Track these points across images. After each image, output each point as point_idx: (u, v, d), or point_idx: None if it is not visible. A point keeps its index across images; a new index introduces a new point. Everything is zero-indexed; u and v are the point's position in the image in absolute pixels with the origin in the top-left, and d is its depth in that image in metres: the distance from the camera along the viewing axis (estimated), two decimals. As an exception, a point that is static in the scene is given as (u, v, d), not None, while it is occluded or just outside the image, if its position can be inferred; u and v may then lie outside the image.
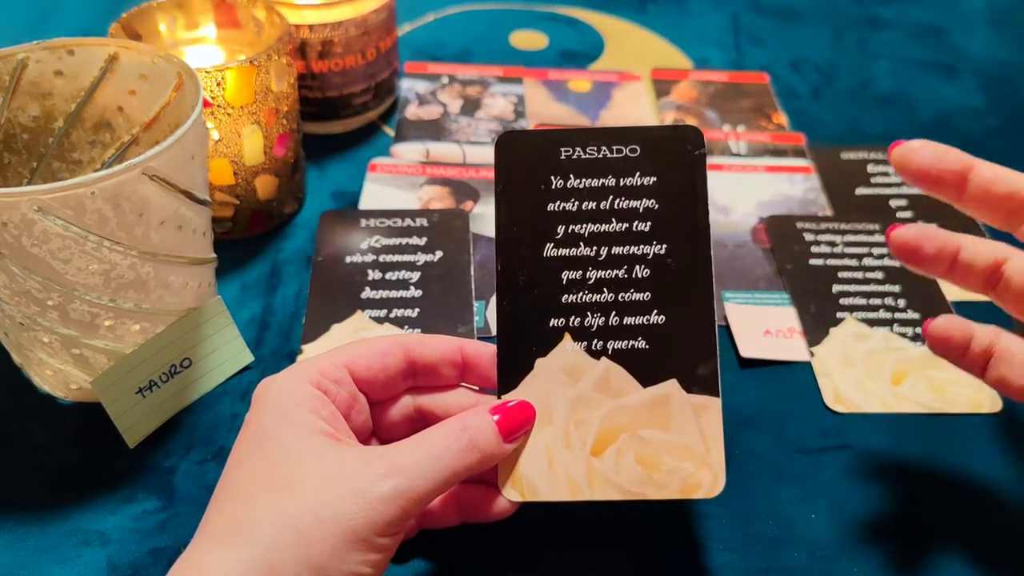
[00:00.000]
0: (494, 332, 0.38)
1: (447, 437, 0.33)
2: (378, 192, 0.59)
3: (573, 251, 0.37)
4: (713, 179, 0.59)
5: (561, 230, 0.37)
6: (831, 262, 0.54)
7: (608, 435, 0.36)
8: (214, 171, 0.51)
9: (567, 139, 0.38)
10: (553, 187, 0.38)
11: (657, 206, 0.37)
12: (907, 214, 0.58)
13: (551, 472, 0.36)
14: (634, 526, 0.40)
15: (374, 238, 0.54)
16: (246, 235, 0.55)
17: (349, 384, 0.36)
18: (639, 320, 0.37)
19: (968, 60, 0.75)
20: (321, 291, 0.51)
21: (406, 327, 0.49)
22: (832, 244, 0.55)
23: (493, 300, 0.47)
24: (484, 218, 0.57)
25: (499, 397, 0.37)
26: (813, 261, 0.54)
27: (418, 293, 0.51)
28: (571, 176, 0.38)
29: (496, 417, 0.35)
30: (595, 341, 0.37)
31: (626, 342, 0.37)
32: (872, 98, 0.70)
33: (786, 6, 0.82)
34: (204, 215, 0.42)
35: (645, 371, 0.36)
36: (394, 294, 0.51)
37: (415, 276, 0.52)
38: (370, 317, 0.50)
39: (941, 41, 0.78)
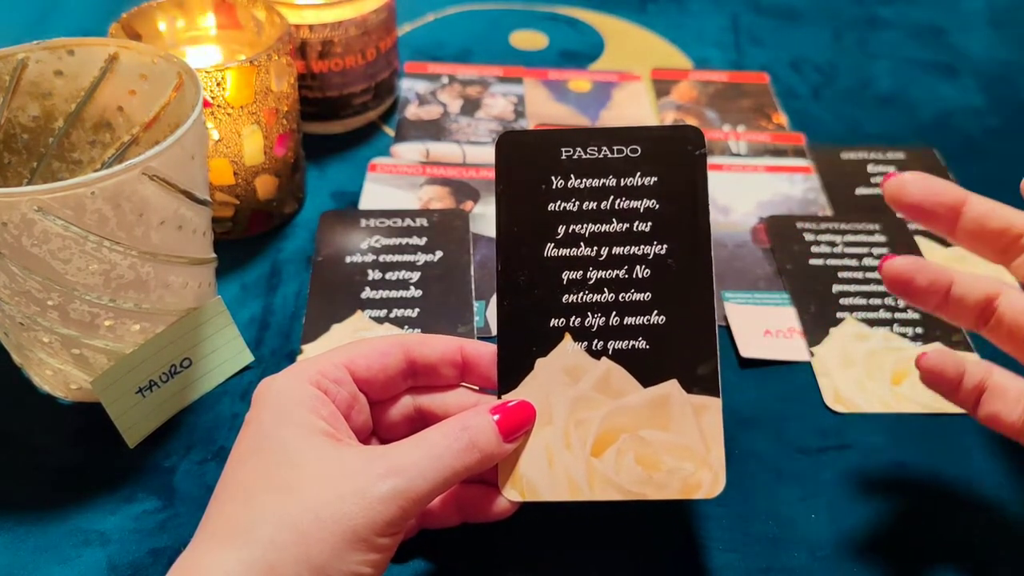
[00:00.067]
0: (494, 332, 0.38)
1: (447, 437, 0.33)
2: (378, 192, 0.59)
3: (574, 251, 0.37)
4: (713, 179, 0.59)
5: (562, 230, 0.37)
6: (831, 262, 0.54)
7: (608, 435, 0.36)
8: (214, 171, 0.51)
9: (567, 139, 0.38)
10: (554, 187, 0.38)
11: (658, 206, 0.37)
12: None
13: (551, 472, 0.36)
14: (634, 526, 0.40)
15: (374, 238, 0.54)
16: (246, 235, 0.55)
17: (349, 384, 0.36)
18: (639, 320, 0.37)
19: (968, 60, 0.75)
20: (321, 291, 0.51)
21: (406, 327, 0.49)
22: (832, 244, 0.55)
23: (493, 300, 0.47)
24: (484, 218, 0.57)
25: (499, 397, 0.37)
26: (813, 261, 0.54)
27: (418, 293, 0.51)
28: (572, 176, 0.38)
29: (496, 417, 0.35)
30: (595, 341, 0.37)
31: (626, 342, 0.37)
32: (872, 98, 0.70)
33: (786, 6, 0.82)
34: (204, 215, 0.42)
35: (645, 371, 0.36)
36: (394, 294, 0.51)
37: (415, 276, 0.52)
38: (370, 317, 0.50)
39: (941, 41, 0.78)
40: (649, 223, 0.37)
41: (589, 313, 0.37)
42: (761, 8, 0.82)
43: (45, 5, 0.78)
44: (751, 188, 0.60)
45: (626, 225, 0.37)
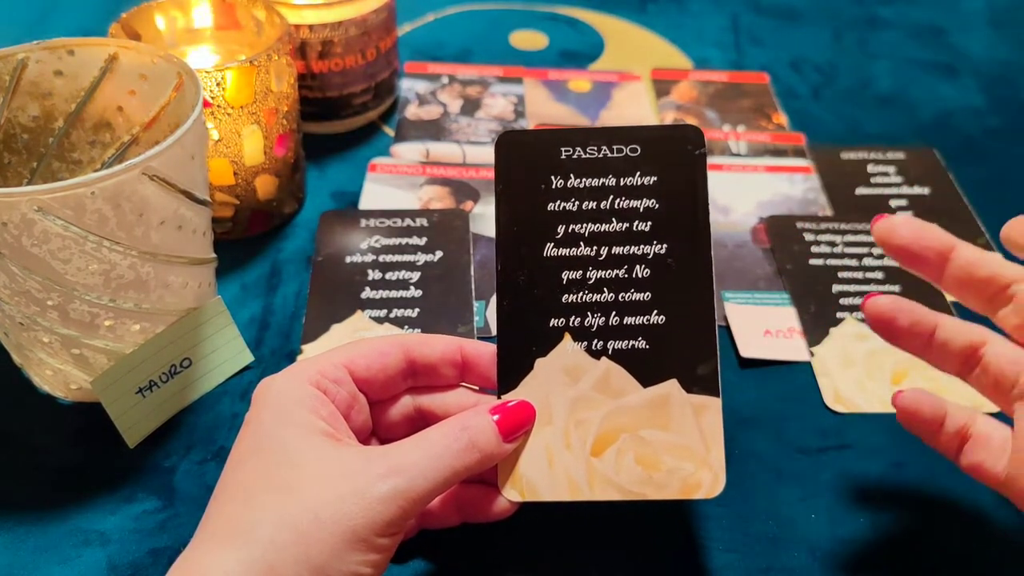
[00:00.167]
0: (494, 332, 0.38)
1: (447, 437, 0.33)
2: (378, 192, 0.59)
3: (573, 251, 0.37)
4: (713, 179, 0.59)
5: (561, 230, 0.37)
6: (831, 262, 0.54)
7: (608, 435, 0.36)
8: (214, 171, 0.51)
9: (567, 139, 0.38)
10: (553, 187, 0.38)
11: (657, 206, 0.37)
12: (907, 214, 0.58)
13: (551, 472, 0.36)
14: (634, 526, 0.40)
15: (374, 238, 0.54)
16: (246, 235, 0.55)
17: (349, 384, 0.36)
18: (639, 320, 0.37)
19: (968, 60, 0.75)
20: (321, 291, 0.51)
21: (406, 327, 0.49)
22: (832, 244, 0.55)
23: (493, 300, 0.47)
24: (484, 218, 0.57)
25: (499, 397, 0.37)
26: (813, 261, 0.54)
27: (418, 293, 0.51)
28: (571, 176, 0.38)
29: (496, 417, 0.35)
30: (595, 341, 0.37)
31: (626, 342, 0.36)
32: (872, 98, 0.70)
33: (786, 6, 0.82)
34: (204, 215, 0.42)
35: (645, 371, 0.36)
36: (394, 294, 0.51)
37: (415, 276, 0.52)
38: (370, 317, 0.50)
39: (941, 41, 0.78)
40: (649, 223, 0.37)
41: (589, 313, 0.37)
42: (761, 8, 0.82)
43: (45, 5, 0.78)
44: (751, 188, 0.60)
45: (626, 225, 0.37)
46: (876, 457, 0.44)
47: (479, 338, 0.48)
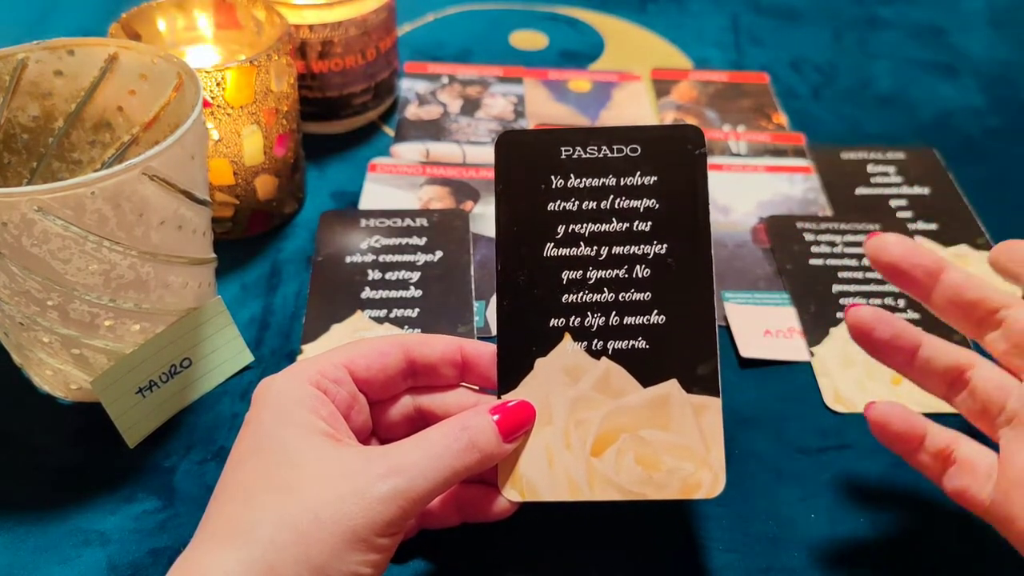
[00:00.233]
0: (494, 332, 0.38)
1: (447, 437, 0.33)
2: (378, 192, 0.59)
3: (573, 251, 0.37)
4: (713, 179, 0.59)
5: (561, 230, 0.37)
6: (831, 262, 0.54)
7: (608, 435, 0.36)
8: (214, 171, 0.51)
9: (567, 139, 0.38)
10: (553, 187, 0.38)
11: (657, 206, 0.37)
12: (907, 214, 0.58)
13: (551, 472, 0.36)
14: (634, 526, 0.40)
15: (374, 238, 0.54)
16: (246, 235, 0.55)
17: (349, 384, 0.36)
18: (639, 320, 0.37)
19: (968, 60, 0.75)
20: (321, 291, 0.51)
21: (406, 327, 0.49)
22: (832, 244, 0.55)
23: (493, 300, 0.47)
24: (484, 218, 0.57)
25: (499, 397, 0.37)
26: (813, 261, 0.54)
27: (418, 293, 0.51)
28: (571, 176, 0.38)
29: (496, 417, 0.35)
30: (595, 341, 0.37)
31: (626, 342, 0.36)
32: (872, 98, 0.70)
33: (786, 6, 0.82)
34: (204, 215, 0.42)
35: (645, 371, 0.36)
36: (394, 294, 0.51)
37: (415, 276, 0.52)
38: (370, 317, 0.50)
39: (941, 41, 0.78)
40: (649, 223, 0.37)
41: (589, 313, 0.37)
42: (761, 8, 0.82)
43: (45, 5, 0.78)
44: (751, 188, 0.60)
45: (626, 225, 0.37)
46: (876, 457, 0.44)
47: (479, 338, 0.48)
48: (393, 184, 0.60)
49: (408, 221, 0.55)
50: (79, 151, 0.47)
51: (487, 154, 0.62)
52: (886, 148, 0.64)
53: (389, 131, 0.65)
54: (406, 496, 0.31)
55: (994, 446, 0.35)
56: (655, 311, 0.37)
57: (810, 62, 0.74)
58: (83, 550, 0.39)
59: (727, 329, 0.50)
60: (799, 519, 0.41)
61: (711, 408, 0.36)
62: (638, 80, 0.71)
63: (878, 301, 0.51)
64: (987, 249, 0.55)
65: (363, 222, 0.55)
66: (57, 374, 0.43)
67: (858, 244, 0.55)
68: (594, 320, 0.37)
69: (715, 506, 0.41)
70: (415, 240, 0.54)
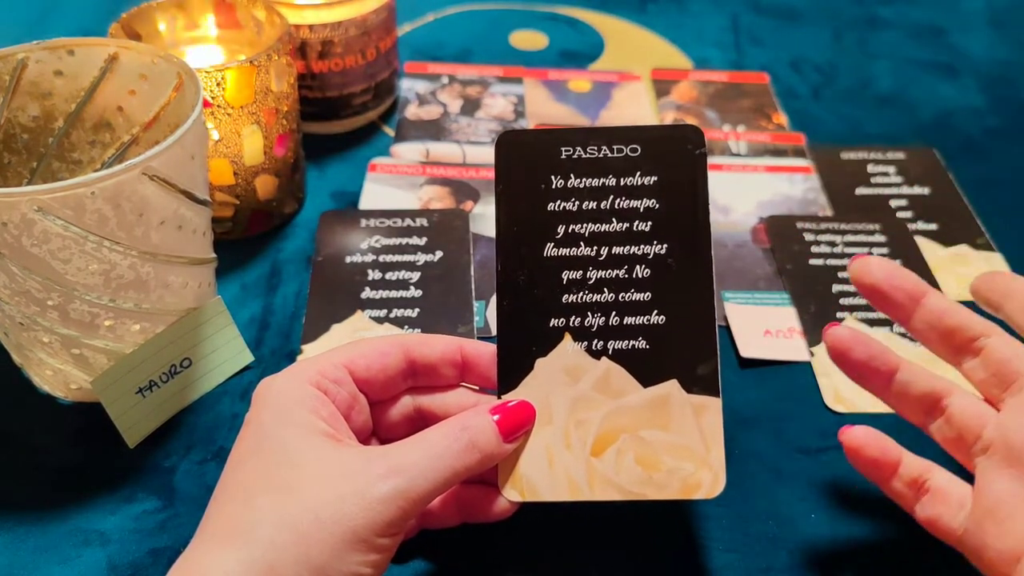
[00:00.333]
0: (494, 332, 0.38)
1: (447, 437, 0.33)
2: (378, 192, 0.59)
3: (573, 251, 0.37)
4: (713, 179, 0.59)
5: (561, 230, 0.37)
6: (831, 262, 0.54)
7: (608, 435, 0.36)
8: (214, 171, 0.51)
9: (567, 139, 0.38)
10: (553, 187, 0.38)
11: (658, 206, 0.37)
12: (907, 214, 0.58)
13: (551, 472, 0.36)
14: (634, 526, 0.40)
15: (374, 238, 0.54)
16: (246, 235, 0.55)
17: (349, 384, 0.36)
18: (639, 320, 0.37)
19: (968, 60, 0.75)
20: (321, 291, 0.51)
21: (406, 327, 0.49)
22: (832, 244, 0.55)
23: (493, 300, 0.47)
24: (484, 218, 0.57)
25: (499, 397, 0.37)
26: (813, 261, 0.54)
27: (418, 293, 0.51)
28: (571, 176, 0.38)
29: (496, 417, 0.35)
30: (595, 341, 0.37)
31: (626, 342, 0.36)
32: (872, 98, 0.70)
33: (786, 6, 0.82)
34: (204, 215, 0.42)
35: (645, 371, 0.36)
36: (394, 294, 0.51)
37: (415, 276, 0.52)
38: (370, 317, 0.50)
39: (941, 41, 0.78)
40: (649, 223, 0.37)
41: (589, 313, 0.37)
42: (761, 8, 0.82)
43: (45, 5, 0.78)
44: (751, 188, 0.60)
45: (626, 225, 0.37)
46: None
47: (479, 338, 0.48)
48: (393, 184, 0.60)
49: (408, 221, 0.55)
50: (79, 151, 0.47)
51: (487, 154, 0.62)
52: (886, 148, 0.64)
53: (389, 131, 0.65)
54: (406, 496, 0.31)
55: (968, 475, 0.35)
56: (655, 311, 0.37)
57: (810, 62, 0.74)
58: (83, 550, 0.39)
59: (727, 329, 0.50)
60: (799, 519, 0.41)
61: (711, 408, 0.36)
62: (638, 80, 0.71)
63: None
64: (987, 249, 0.55)
65: (363, 222, 0.55)
66: (57, 374, 0.43)
67: (858, 244, 0.55)
68: (594, 320, 0.37)
69: (715, 506, 0.41)
70: (415, 240, 0.54)
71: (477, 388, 0.38)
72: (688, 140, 0.38)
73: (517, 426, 0.35)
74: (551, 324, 0.37)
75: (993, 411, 0.35)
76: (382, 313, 0.50)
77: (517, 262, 0.37)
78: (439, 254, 0.53)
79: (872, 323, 0.50)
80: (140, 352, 0.42)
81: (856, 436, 0.37)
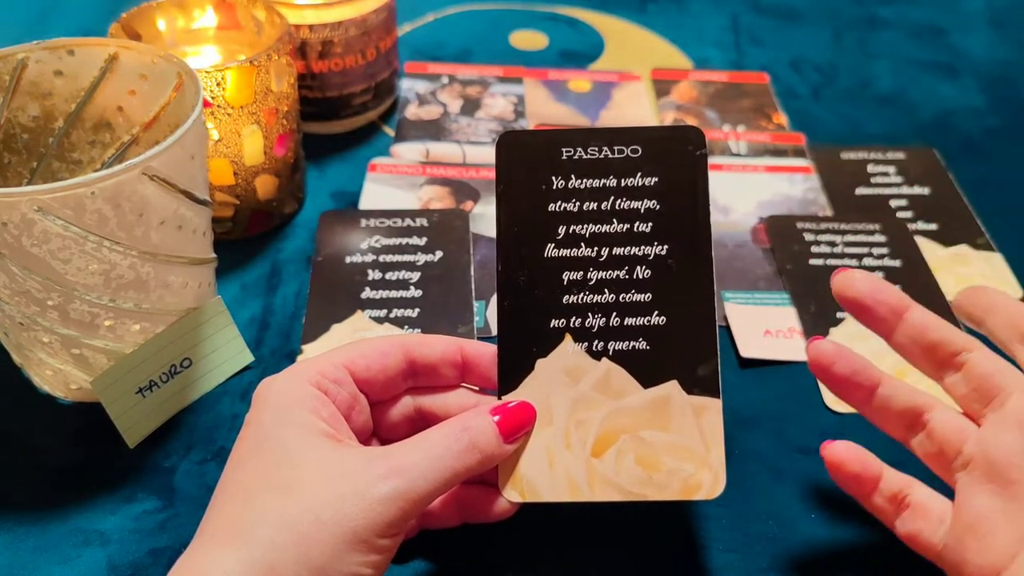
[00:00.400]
0: (494, 332, 0.38)
1: (447, 438, 0.33)
2: (378, 192, 0.59)
3: (574, 251, 0.37)
4: (713, 179, 0.58)
5: (562, 230, 0.37)
6: (831, 262, 0.54)
7: (608, 436, 0.36)
8: (214, 171, 0.51)
9: (568, 139, 0.38)
10: (554, 187, 0.38)
11: (658, 207, 0.37)
12: (907, 214, 0.58)
13: (551, 473, 0.36)
14: (634, 526, 0.40)
15: (374, 238, 0.54)
16: (246, 235, 0.55)
17: (349, 384, 0.36)
18: (640, 321, 0.37)
19: (968, 60, 0.75)
20: (321, 291, 0.51)
21: (406, 327, 0.49)
22: (832, 244, 0.55)
23: (493, 300, 0.47)
24: (484, 218, 0.57)
25: (499, 398, 0.37)
26: (813, 261, 0.54)
27: (418, 293, 0.51)
28: (572, 176, 0.38)
29: (496, 418, 0.35)
30: (596, 342, 0.37)
31: (627, 343, 0.36)
32: (872, 98, 0.70)
33: (786, 6, 0.82)
34: (204, 215, 0.42)
35: (646, 372, 0.36)
36: (394, 294, 0.51)
37: (415, 276, 0.52)
38: (370, 317, 0.50)
39: (941, 41, 0.78)
40: (649, 223, 0.37)
41: (589, 314, 0.37)
42: (761, 8, 0.82)
43: (45, 5, 0.78)
44: (751, 188, 0.60)
45: (626, 226, 0.37)
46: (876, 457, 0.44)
47: (479, 338, 0.48)
48: (393, 184, 0.60)
49: (408, 221, 0.55)
50: (79, 151, 0.47)
51: (487, 154, 0.62)
52: (886, 148, 0.64)
53: (389, 131, 0.65)
54: (407, 497, 0.31)
55: (948, 490, 0.35)
56: (655, 312, 0.37)
57: (810, 62, 0.74)
58: (83, 550, 0.39)
59: (727, 329, 0.50)
60: (799, 519, 0.41)
61: (711, 409, 0.36)
62: (638, 80, 0.71)
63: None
64: (987, 249, 0.55)
65: (363, 222, 0.55)
66: (57, 374, 0.43)
67: (858, 244, 0.55)
68: (595, 321, 0.37)
69: (715, 506, 0.41)
70: (415, 240, 0.54)
71: (477, 388, 0.38)
72: (689, 141, 0.38)
73: (517, 427, 0.35)
74: (552, 325, 0.37)
75: (974, 426, 0.35)
76: (382, 313, 0.50)
77: (518, 262, 0.37)
78: (439, 254, 0.53)
79: (872, 323, 0.50)
80: (140, 352, 0.42)
81: (837, 452, 0.37)
